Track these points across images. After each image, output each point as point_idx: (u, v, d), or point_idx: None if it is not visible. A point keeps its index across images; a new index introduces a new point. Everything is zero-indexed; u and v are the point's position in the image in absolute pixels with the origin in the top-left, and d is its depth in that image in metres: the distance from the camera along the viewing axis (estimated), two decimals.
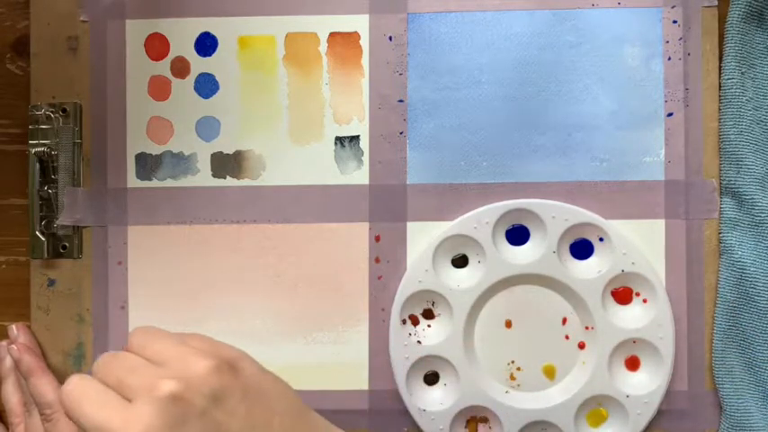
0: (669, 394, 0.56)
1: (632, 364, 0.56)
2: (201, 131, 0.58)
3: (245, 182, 0.58)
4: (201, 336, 0.44)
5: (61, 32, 0.58)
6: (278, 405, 0.42)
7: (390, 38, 0.57)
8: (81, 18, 0.58)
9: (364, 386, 0.57)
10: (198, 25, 0.58)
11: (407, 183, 0.57)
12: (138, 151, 0.58)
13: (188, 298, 0.58)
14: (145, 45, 0.58)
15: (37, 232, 0.58)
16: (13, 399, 0.57)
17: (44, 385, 0.55)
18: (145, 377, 0.39)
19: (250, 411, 0.40)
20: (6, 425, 0.58)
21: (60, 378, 0.57)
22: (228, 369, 0.41)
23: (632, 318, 0.56)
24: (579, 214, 0.55)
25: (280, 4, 0.58)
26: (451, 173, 0.57)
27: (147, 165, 0.58)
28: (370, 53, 0.58)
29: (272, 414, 0.41)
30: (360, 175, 0.57)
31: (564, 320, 0.56)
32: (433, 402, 0.56)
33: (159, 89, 0.58)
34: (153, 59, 0.58)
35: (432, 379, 0.57)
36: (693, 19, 0.56)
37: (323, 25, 0.58)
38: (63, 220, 0.58)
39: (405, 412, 0.57)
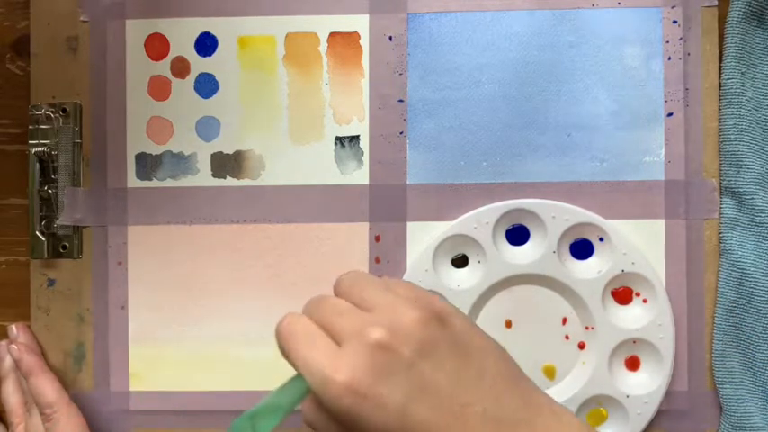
0: (669, 394, 0.56)
1: (632, 364, 0.56)
2: (201, 131, 0.58)
3: (245, 182, 0.58)
4: (408, 283, 0.43)
5: (61, 32, 0.58)
6: (489, 365, 0.40)
7: (390, 38, 0.57)
8: (81, 18, 0.58)
9: None
10: (198, 25, 0.58)
11: (407, 183, 0.57)
12: (138, 151, 0.58)
13: (188, 298, 0.58)
14: (145, 45, 0.58)
15: (37, 232, 0.58)
16: (13, 399, 0.57)
17: (44, 385, 0.55)
18: (354, 322, 0.39)
19: (458, 367, 0.39)
20: (6, 425, 0.58)
21: (60, 378, 0.57)
22: (437, 321, 0.40)
23: (632, 318, 0.56)
24: (579, 214, 0.55)
25: (280, 4, 0.58)
26: (451, 173, 0.57)
27: (147, 165, 0.58)
28: (370, 53, 0.58)
29: (482, 373, 0.40)
30: (360, 175, 0.57)
31: (564, 320, 0.56)
32: None
33: (159, 89, 0.58)
34: (153, 59, 0.58)
35: None
36: (693, 19, 0.56)
37: (323, 25, 0.58)
38: (63, 220, 0.58)
39: None
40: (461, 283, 0.56)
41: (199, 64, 0.58)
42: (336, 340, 0.39)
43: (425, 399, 0.38)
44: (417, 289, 0.42)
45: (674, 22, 0.56)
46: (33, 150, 0.58)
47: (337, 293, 0.43)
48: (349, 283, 0.42)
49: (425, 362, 0.38)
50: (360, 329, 0.38)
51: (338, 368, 0.37)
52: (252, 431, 0.39)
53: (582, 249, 0.56)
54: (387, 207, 0.57)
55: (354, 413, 0.37)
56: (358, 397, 0.37)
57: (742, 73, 0.56)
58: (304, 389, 0.40)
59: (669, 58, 0.56)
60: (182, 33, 0.58)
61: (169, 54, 0.58)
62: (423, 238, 0.57)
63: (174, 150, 0.58)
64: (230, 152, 0.58)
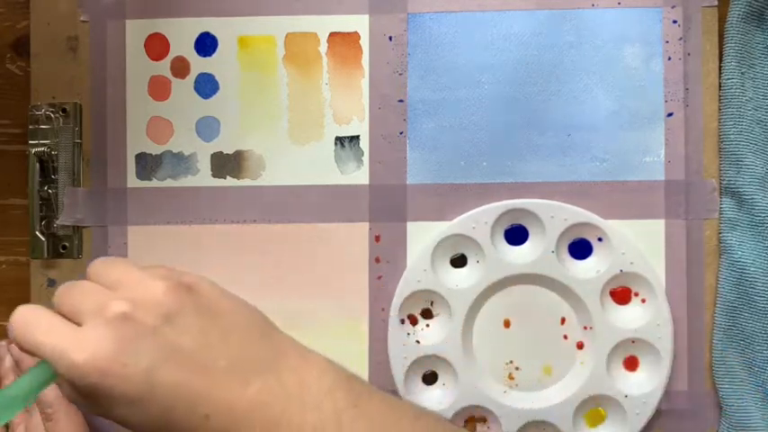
0: (669, 394, 0.56)
1: (631, 364, 0.56)
2: (201, 131, 0.58)
3: (245, 182, 0.58)
4: (163, 266, 0.43)
5: (61, 32, 0.58)
6: (235, 322, 0.41)
7: (390, 38, 0.57)
8: (81, 18, 0.58)
9: None
10: (198, 25, 0.58)
11: (407, 183, 0.57)
12: (138, 151, 0.58)
13: None
14: (145, 45, 0.58)
15: (37, 232, 0.58)
16: None
17: None
18: (96, 300, 0.39)
19: (204, 328, 0.40)
20: (6, 425, 0.58)
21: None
22: (183, 288, 0.40)
23: (631, 318, 0.56)
24: (578, 214, 0.55)
25: (280, 4, 0.58)
26: (451, 173, 0.57)
27: (147, 165, 0.58)
28: (370, 53, 0.58)
29: (230, 331, 0.40)
30: (360, 175, 0.58)
31: (562, 320, 0.56)
32: (431, 402, 0.56)
33: (159, 89, 0.58)
34: (153, 59, 0.59)
35: (430, 379, 0.57)
36: (693, 19, 0.56)
37: (323, 25, 0.58)
38: (63, 220, 0.58)
39: None
40: (460, 283, 0.56)
41: (199, 64, 0.58)
42: (78, 322, 0.39)
43: (171, 362, 0.38)
44: (171, 268, 0.42)
45: (674, 22, 0.56)
46: (33, 150, 0.58)
47: (87, 278, 0.42)
48: (99, 266, 0.43)
49: (170, 327, 0.39)
50: (101, 306, 0.39)
51: (79, 347, 0.37)
52: None
53: (580, 249, 0.56)
54: (387, 207, 0.57)
55: (104, 389, 0.37)
56: (103, 372, 0.37)
57: (742, 73, 0.56)
58: (49, 375, 0.40)
59: (669, 58, 0.56)
60: (182, 33, 0.58)
61: (169, 54, 0.58)
62: (423, 238, 0.57)
63: (174, 150, 0.58)
64: (230, 152, 0.58)
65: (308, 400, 0.40)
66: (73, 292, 0.41)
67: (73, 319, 0.39)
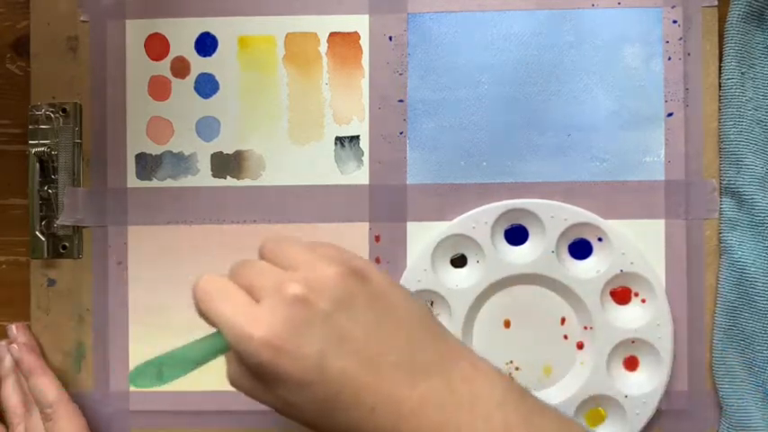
0: (669, 394, 0.56)
1: (631, 364, 0.56)
2: (201, 131, 0.58)
3: (245, 182, 0.58)
4: (332, 244, 0.44)
5: (61, 32, 0.58)
6: (406, 318, 0.41)
7: (390, 38, 0.57)
8: (81, 18, 0.58)
9: None
10: (198, 25, 0.58)
11: (407, 183, 0.57)
12: (138, 151, 0.58)
13: (188, 298, 0.57)
14: (145, 45, 0.58)
15: (37, 232, 0.58)
16: (13, 399, 0.57)
17: (45, 384, 0.56)
18: (274, 280, 0.40)
19: (375, 320, 0.40)
20: (6, 425, 0.58)
21: (60, 378, 0.57)
22: (356, 276, 0.41)
23: (631, 318, 0.56)
24: (578, 214, 0.55)
25: (280, 4, 0.58)
26: (451, 173, 0.57)
27: (147, 165, 0.58)
28: (370, 53, 0.58)
29: (399, 326, 0.41)
30: (360, 175, 0.57)
31: (562, 320, 0.56)
32: None
33: (159, 89, 0.58)
34: (153, 59, 0.58)
35: None
36: (693, 19, 0.56)
37: (323, 25, 0.58)
38: (63, 220, 0.58)
39: None
40: (460, 283, 0.56)
41: (199, 64, 0.58)
42: (256, 298, 0.40)
43: (342, 349, 0.39)
44: (341, 249, 0.43)
45: (674, 22, 0.56)
46: (33, 150, 0.58)
47: (261, 256, 0.44)
48: (272, 245, 0.44)
49: (342, 314, 0.40)
50: (278, 286, 0.39)
51: (256, 323, 0.38)
52: (157, 378, 0.41)
53: (581, 249, 0.56)
54: (387, 207, 0.57)
55: (273, 367, 0.38)
56: (276, 350, 0.38)
57: (742, 73, 0.56)
58: (220, 345, 0.41)
59: (669, 58, 0.56)
60: (182, 33, 0.58)
61: (169, 54, 0.58)
62: (423, 238, 0.57)
63: (174, 150, 0.58)
64: (230, 152, 0.58)
65: (478, 410, 0.40)
66: (249, 269, 0.42)
67: (250, 294, 0.40)
